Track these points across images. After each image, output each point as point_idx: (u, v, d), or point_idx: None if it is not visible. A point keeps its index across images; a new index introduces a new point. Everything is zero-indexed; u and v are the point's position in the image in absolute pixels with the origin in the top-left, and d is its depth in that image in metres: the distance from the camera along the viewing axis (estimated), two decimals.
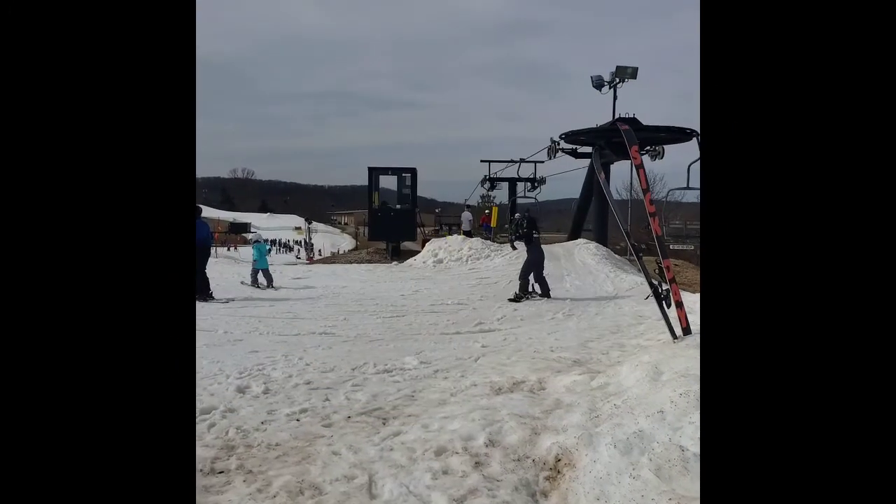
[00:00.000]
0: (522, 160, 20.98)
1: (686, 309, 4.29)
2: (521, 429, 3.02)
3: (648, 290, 4.26)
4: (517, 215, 18.42)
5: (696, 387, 2.78)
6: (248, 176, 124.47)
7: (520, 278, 9.64)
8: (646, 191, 4.01)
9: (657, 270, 4.07)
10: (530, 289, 9.57)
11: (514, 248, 17.89)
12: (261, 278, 11.72)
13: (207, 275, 9.63)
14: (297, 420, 3.54)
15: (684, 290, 5.16)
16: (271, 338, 6.34)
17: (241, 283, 11.94)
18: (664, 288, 3.95)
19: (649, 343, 5.64)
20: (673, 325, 4.05)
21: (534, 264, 9.64)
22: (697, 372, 2.85)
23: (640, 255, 4.22)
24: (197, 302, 9.34)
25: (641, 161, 4.05)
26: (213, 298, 9.29)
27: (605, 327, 6.89)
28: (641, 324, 7.00)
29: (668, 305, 3.98)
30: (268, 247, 12.40)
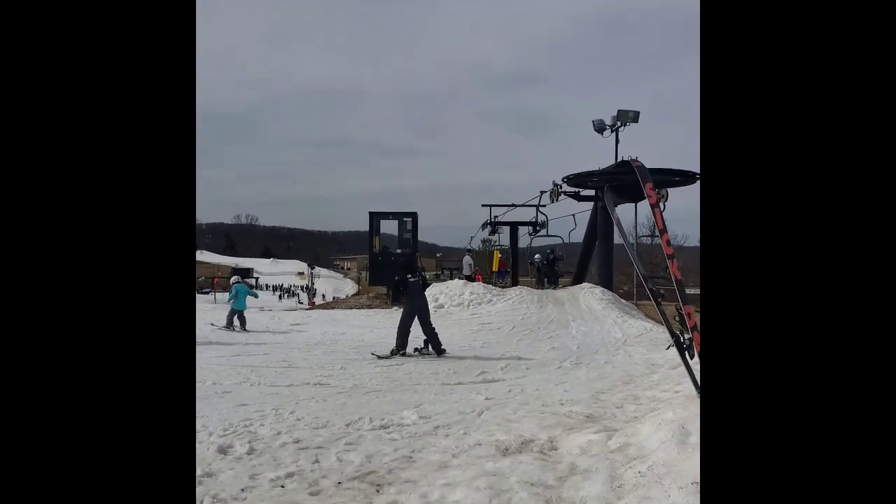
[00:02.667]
0: (514, 205, 20.88)
1: None
2: (532, 500, 2.65)
3: (659, 337, 3.94)
4: (537, 257, 18.27)
5: None
6: (251, 222, 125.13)
7: (397, 332, 8.29)
8: (663, 231, 3.74)
9: (677, 318, 3.76)
10: (421, 344, 8.34)
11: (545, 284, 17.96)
12: (236, 322, 11.73)
13: None
14: (282, 486, 3.17)
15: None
16: (262, 389, 5.97)
17: (212, 325, 11.73)
18: (686, 337, 3.63)
19: (665, 395, 5.26)
20: (696, 377, 3.70)
21: (408, 316, 8.30)
22: None
23: (660, 300, 3.91)
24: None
25: (657, 199, 3.79)
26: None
27: (616, 377, 6.51)
28: (655, 373, 6.63)
29: (692, 356, 3.65)
30: (245, 289, 12.54)
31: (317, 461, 3.57)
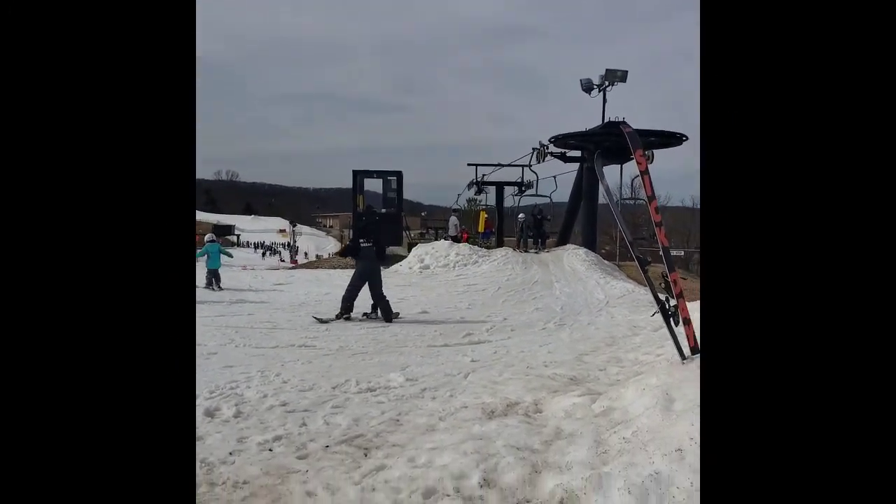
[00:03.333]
0: (500, 165, 20.69)
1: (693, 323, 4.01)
2: (519, 465, 2.69)
3: (641, 298, 3.97)
4: (521, 216, 17.10)
5: None
6: (232, 178, 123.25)
7: (343, 295, 8.13)
8: (651, 198, 3.72)
9: (662, 284, 3.78)
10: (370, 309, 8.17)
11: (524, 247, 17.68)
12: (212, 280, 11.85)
13: None
14: (270, 450, 3.19)
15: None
16: (247, 350, 5.96)
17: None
18: (671, 304, 3.66)
19: (647, 357, 5.35)
20: (681, 343, 3.75)
21: (358, 279, 8.12)
22: None
23: (647, 267, 3.93)
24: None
25: (647, 166, 3.76)
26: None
27: (599, 339, 6.60)
28: (637, 335, 6.73)
29: (677, 323, 3.69)
30: (218, 247, 12.54)
31: (304, 424, 3.59)
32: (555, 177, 18.91)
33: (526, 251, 16.07)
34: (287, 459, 3.05)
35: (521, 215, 17.39)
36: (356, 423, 3.62)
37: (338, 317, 7.97)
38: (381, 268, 8.84)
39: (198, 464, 2.98)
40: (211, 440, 3.32)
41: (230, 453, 3.12)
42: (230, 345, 6.22)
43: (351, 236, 21.58)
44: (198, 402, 4.00)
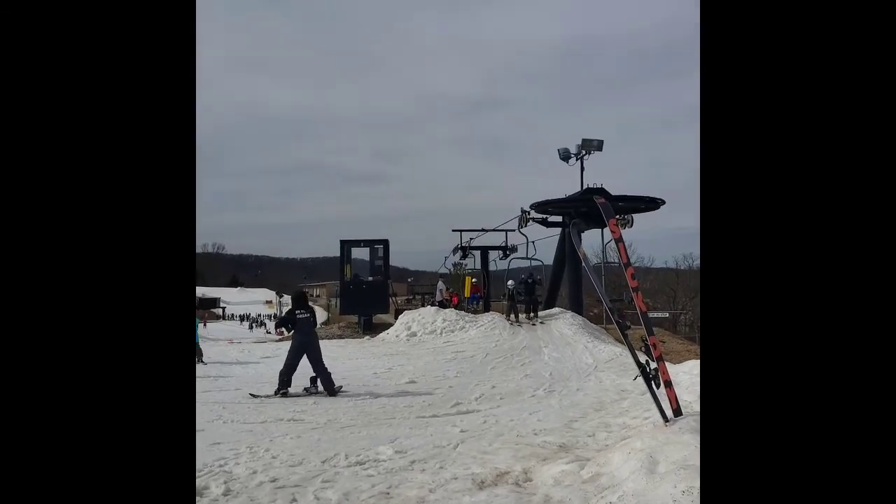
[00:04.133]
0: (484, 230, 21.10)
1: (674, 384, 4.10)
2: None
3: (628, 361, 4.08)
4: (510, 283, 15.39)
5: (699, 482, 2.55)
6: (218, 250, 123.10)
7: (280, 371, 7.83)
8: (627, 265, 3.90)
9: (643, 347, 3.91)
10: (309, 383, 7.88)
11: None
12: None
13: None
14: None
15: (668, 361, 4.99)
16: (235, 426, 5.91)
17: None
18: (652, 367, 3.78)
19: (635, 422, 5.40)
20: (663, 406, 3.84)
21: (295, 352, 7.82)
22: (697, 462, 2.64)
23: (626, 332, 4.06)
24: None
25: (621, 234, 3.97)
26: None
27: (588, 404, 6.64)
28: (625, 399, 6.77)
29: (658, 385, 3.80)
30: (198, 321, 13.02)
31: (294, 500, 3.58)
32: (532, 242, 19.19)
33: (517, 322, 14.50)
34: None
35: (510, 282, 15.87)
36: (346, 497, 3.62)
37: (276, 393, 7.64)
38: (369, 336, 8.77)
39: None
40: None
41: None
42: (218, 420, 6.16)
43: (340, 305, 21.54)
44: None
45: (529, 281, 15.91)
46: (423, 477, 3.97)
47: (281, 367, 7.93)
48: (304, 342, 7.87)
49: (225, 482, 3.93)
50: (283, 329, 8.13)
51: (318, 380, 7.82)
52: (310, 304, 8.40)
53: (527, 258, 18.79)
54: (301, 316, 7.96)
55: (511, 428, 5.45)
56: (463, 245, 23.17)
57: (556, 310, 16.53)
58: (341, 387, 7.96)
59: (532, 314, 15.10)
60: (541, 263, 19.07)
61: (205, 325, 41.58)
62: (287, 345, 16.10)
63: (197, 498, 3.67)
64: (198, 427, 5.80)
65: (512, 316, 14.72)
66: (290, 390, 7.75)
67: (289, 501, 3.56)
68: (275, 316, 36.52)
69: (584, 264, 5.16)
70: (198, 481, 3.94)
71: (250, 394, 7.71)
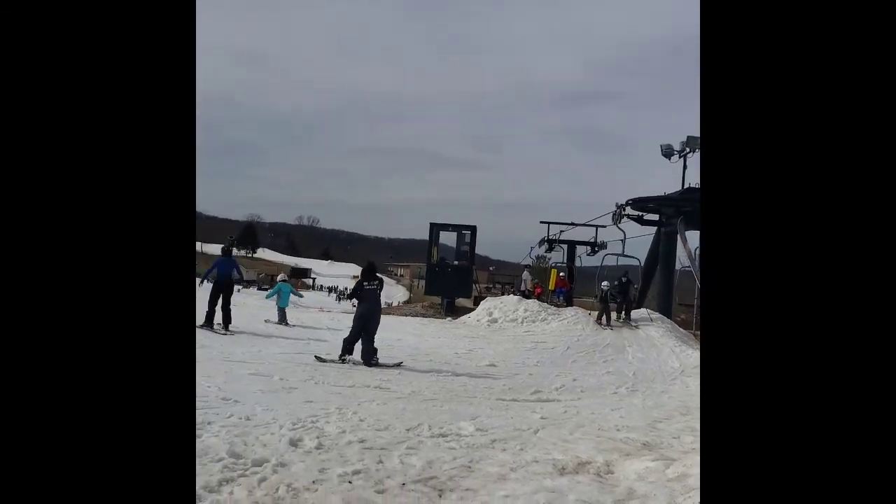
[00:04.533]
0: (573, 224, 20.80)
1: None
2: None
3: None
4: (605, 284, 14.31)
5: None
6: (313, 224, 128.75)
7: (344, 339, 8.22)
8: None
9: None
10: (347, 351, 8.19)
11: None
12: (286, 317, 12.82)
13: (231, 309, 10.36)
14: (350, 482, 3.37)
15: None
16: (326, 388, 6.24)
17: (266, 321, 12.75)
18: None
19: None
20: None
21: (357, 321, 8.20)
22: None
23: None
24: (216, 331, 9.75)
25: None
26: (229, 332, 9.92)
27: (673, 407, 6.45)
28: None
29: None
30: (290, 288, 13.74)
31: (381, 461, 3.76)
32: (622, 240, 18.62)
33: (608, 326, 13.57)
34: (366, 493, 3.22)
35: (604, 283, 14.64)
36: (430, 465, 3.75)
37: (340, 358, 8.04)
38: (451, 318, 8.92)
39: (284, 488, 3.21)
40: (296, 468, 3.54)
41: (313, 481, 3.33)
42: (310, 381, 6.53)
43: (425, 286, 21.99)
44: (281, 431, 4.27)
45: (624, 280, 14.98)
46: (504, 456, 4.04)
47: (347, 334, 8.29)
48: (368, 312, 8.18)
49: (317, 437, 4.18)
50: (355, 300, 8.43)
51: (363, 348, 8.00)
52: (378, 275, 8.66)
53: (622, 255, 17.96)
54: (368, 287, 8.28)
55: (592, 421, 5.41)
56: (550, 238, 22.96)
57: (642, 311, 16.05)
58: (377, 362, 8.00)
59: (625, 316, 14.24)
60: (637, 262, 18.21)
61: (300, 294, 43.83)
62: None
63: (293, 448, 3.94)
64: (292, 385, 6.21)
65: (603, 319, 13.75)
66: (353, 357, 8.09)
67: (376, 461, 3.74)
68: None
69: (689, 263, 4.99)
70: (293, 434, 4.23)
71: (315, 356, 8.14)
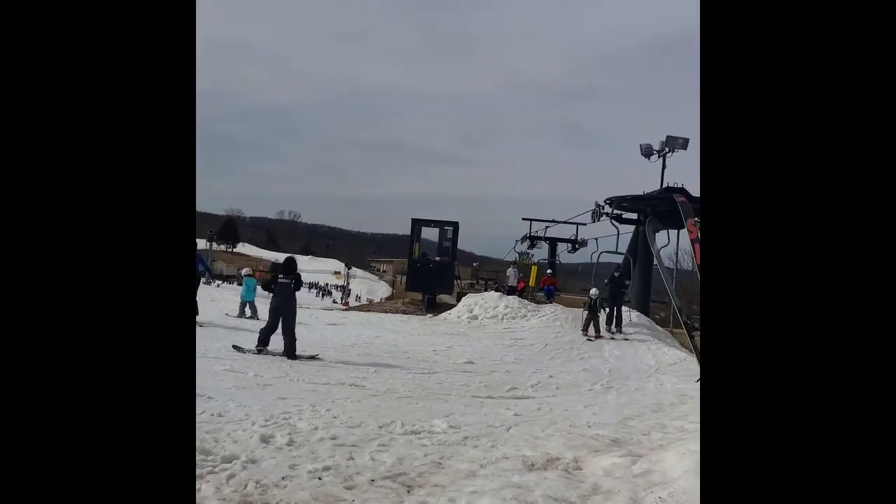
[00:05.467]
0: (555, 221, 20.97)
1: None
2: None
3: (692, 367, 4.01)
4: (594, 291, 12.42)
5: None
6: (294, 218, 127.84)
7: (260, 330, 8.33)
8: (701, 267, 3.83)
9: None
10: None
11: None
12: (247, 310, 12.93)
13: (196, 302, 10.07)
14: (319, 479, 3.38)
15: None
16: (300, 385, 6.24)
17: (226, 314, 12.85)
18: None
19: (693, 426, 5.29)
20: None
21: (271, 314, 8.29)
22: None
23: (694, 334, 3.99)
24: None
25: (698, 236, 3.89)
26: (199, 325, 9.65)
27: (646, 404, 6.54)
28: (685, 403, 6.62)
29: None
30: (254, 282, 13.76)
31: (351, 458, 3.78)
32: (597, 239, 18.70)
33: (596, 336, 11.96)
34: (335, 489, 3.24)
35: (592, 291, 12.71)
36: (400, 461, 3.78)
37: (256, 349, 8.10)
38: (432, 314, 8.93)
39: (253, 484, 3.21)
40: (266, 464, 3.55)
41: (283, 477, 3.34)
42: (284, 378, 6.52)
43: (406, 282, 22.00)
44: (253, 427, 4.27)
45: (616, 274, 13.25)
46: (475, 453, 4.09)
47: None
48: (280, 305, 8.26)
49: (289, 434, 4.19)
50: (269, 291, 8.58)
51: (284, 341, 8.03)
52: (297, 271, 8.71)
53: (616, 252, 16.94)
54: (282, 281, 8.40)
55: (565, 418, 5.48)
56: (532, 234, 23.11)
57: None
58: (306, 354, 8.06)
59: (615, 327, 12.55)
60: (629, 260, 16.82)
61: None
62: (352, 315, 16.63)
63: (264, 445, 3.94)
64: (266, 382, 6.19)
65: (590, 329, 12.09)
66: (269, 349, 8.14)
67: (346, 458, 3.76)
68: (341, 287, 37.74)
69: (657, 263, 5.07)
70: (264, 430, 4.22)
71: (234, 346, 8.25)
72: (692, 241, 3.96)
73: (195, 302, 9.10)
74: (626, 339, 12.16)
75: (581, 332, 12.25)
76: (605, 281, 13.64)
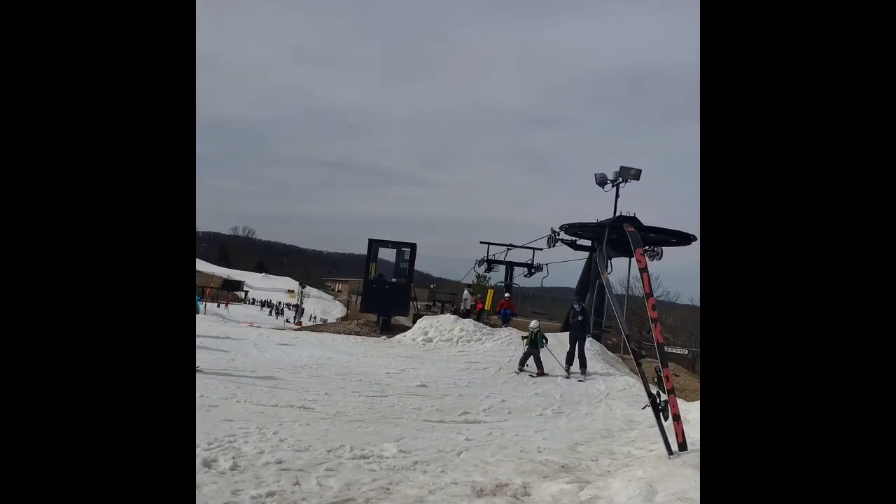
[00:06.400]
0: (512, 245, 21.23)
1: (683, 420, 4.11)
2: None
3: (641, 394, 4.09)
4: (534, 324, 11.19)
5: None
6: (248, 234, 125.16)
7: None
8: (648, 295, 3.94)
9: (655, 379, 3.93)
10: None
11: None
12: None
13: None
14: None
15: (681, 398, 4.99)
16: (248, 406, 6.06)
17: None
18: (662, 399, 3.79)
19: (641, 452, 5.38)
20: (669, 439, 3.85)
21: None
22: (696, 496, 2.66)
23: (641, 361, 4.08)
24: None
25: (646, 265, 4.00)
26: None
27: (595, 430, 6.62)
28: (633, 430, 6.74)
29: (666, 418, 3.81)
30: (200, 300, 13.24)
31: (297, 483, 3.69)
32: (546, 264, 19.06)
33: (538, 373, 10.68)
34: None
35: (533, 323, 11.57)
36: (347, 487, 3.71)
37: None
38: (386, 336, 8.76)
39: None
40: (207, 490, 3.42)
41: None
42: (231, 399, 6.33)
43: (361, 303, 21.77)
44: (195, 451, 4.11)
45: (577, 311, 11.76)
46: (424, 478, 4.04)
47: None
48: None
49: (233, 458, 4.06)
50: None
51: None
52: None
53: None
54: None
55: (515, 443, 5.48)
56: (489, 258, 23.28)
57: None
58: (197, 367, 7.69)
59: (580, 367, 11.02)
60: (587, 311, 13.39)
61: (226, 305, 42.32)
62: (304, 335, 16.30)
63: (205, 469, 3.80)
64: (212, 403, 5.99)
65: (528, 364, 10.86)
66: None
67: (292, 483, 3.66)
68: (295, 306, 37.04)
69: (606, 291, 5.18)
70: (207, 454, 4.08)
71: None
72: (640, 271, 4.06)
73: (195, 304, 8.66)
74: (582, 381, 10.59)
75: (517, 369, 10.80)
76: (571, 320, 12.24)
